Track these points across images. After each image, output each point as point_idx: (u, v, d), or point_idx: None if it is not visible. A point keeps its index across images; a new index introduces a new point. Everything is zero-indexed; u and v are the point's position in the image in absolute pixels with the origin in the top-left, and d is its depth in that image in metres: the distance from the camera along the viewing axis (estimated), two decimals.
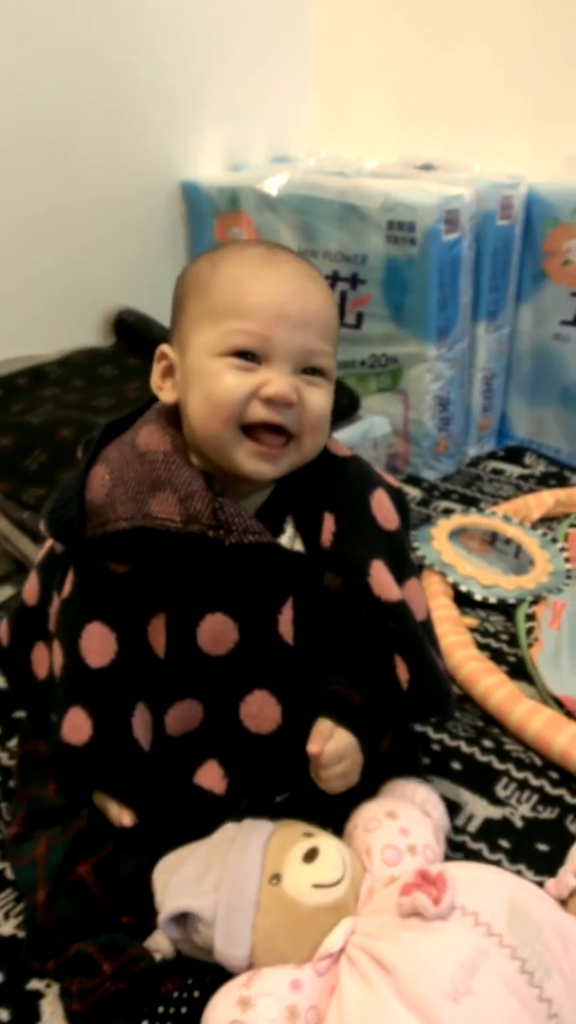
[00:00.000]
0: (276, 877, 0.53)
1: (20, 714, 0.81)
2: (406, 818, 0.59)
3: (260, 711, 0.59)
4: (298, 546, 0.62)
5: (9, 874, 0.65)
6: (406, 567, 0.64)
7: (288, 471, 0.59)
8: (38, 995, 0.57)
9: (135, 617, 0.58)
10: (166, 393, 0.61)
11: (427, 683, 0.62)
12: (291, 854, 0.54)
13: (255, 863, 0.54)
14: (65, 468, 0.98)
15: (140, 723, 0.58)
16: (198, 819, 0.59)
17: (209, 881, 0.54)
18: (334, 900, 0.53)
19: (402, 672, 0.61)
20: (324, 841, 0.55)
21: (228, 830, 0.58)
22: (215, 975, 0.52)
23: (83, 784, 0.60)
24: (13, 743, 0.78)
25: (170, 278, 0.62)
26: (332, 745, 0.58)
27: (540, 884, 0.62)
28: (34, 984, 0.58)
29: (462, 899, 0.50)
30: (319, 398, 0.58)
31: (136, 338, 1.32)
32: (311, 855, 0.54)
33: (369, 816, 0.59)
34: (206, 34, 1.37)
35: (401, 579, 0.62)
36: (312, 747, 0.58)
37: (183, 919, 0.55)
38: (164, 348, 0.61)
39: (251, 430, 0.56)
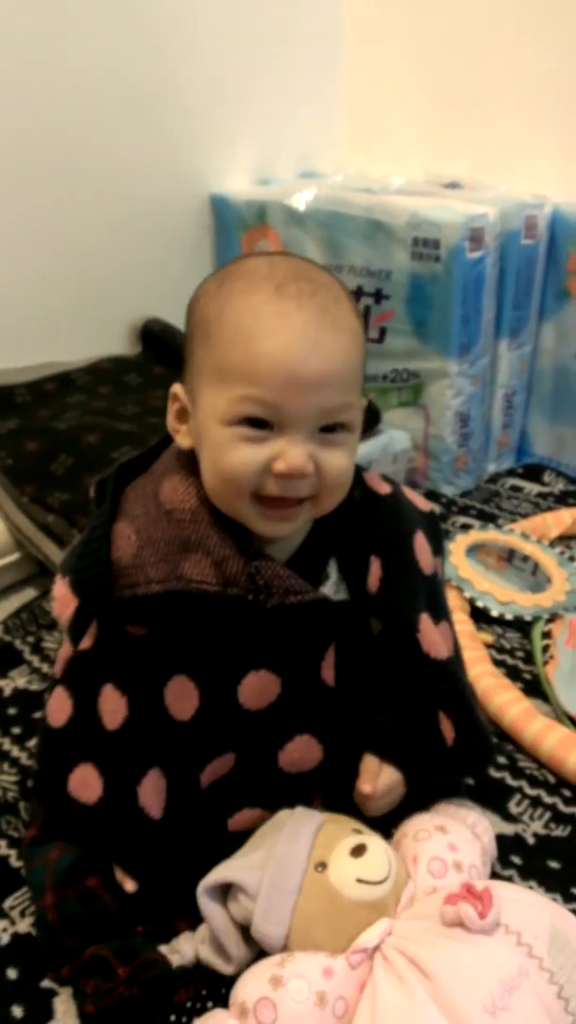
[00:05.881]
0: (322, 865, 0.54)
1: (39, 714, 0.83)
2: (456, 835, 0.60)
3: (302, 756, 0.60)
4: (342, 591, 0.61)
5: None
6: (441, 611, 0.63)
7: (305, 524, 0.58)
8: (52, 993, 0.58)
9: (149, 681, 0.57)
10: (182, 437, 0.58)
11: (474, 742, 0.63)
12: (339, 846, 0.55)
13: (303, 848, 0.55)
14: (89, 473, 0.99)
15: (151, 790, 0.57)
16: None
17: (256, 858, 0.55)
18: (376, 898, 0.53)
19: (447, 730, 0.62)
20: (372, 840, 0.56)
21: (280, 816, 0.59)
22: (230, 987, 0.53)
23: (87, 841, 0.59)
24: (32, 743, 0.79)
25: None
26: (382, 781, 0.60)
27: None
28: (48, 982, 0.59)
29: (505, 917, 0.51)
30: (338, 460, 0.54)
31: (161, 347, 1.34)
32: (359, 850, 0.54)
33: (420, 827, 0.60)
34: (238, 50, 1.39)
35: (435, 622, 0.62)
36: (365, 787, 0.59)
37: (223, 893, 0.55)
38: (177, 389, 0.58)
39: (264, 497, 0.54)
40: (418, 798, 0.64)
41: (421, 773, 0.63)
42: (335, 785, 0.61)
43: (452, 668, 0.61)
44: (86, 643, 0.58)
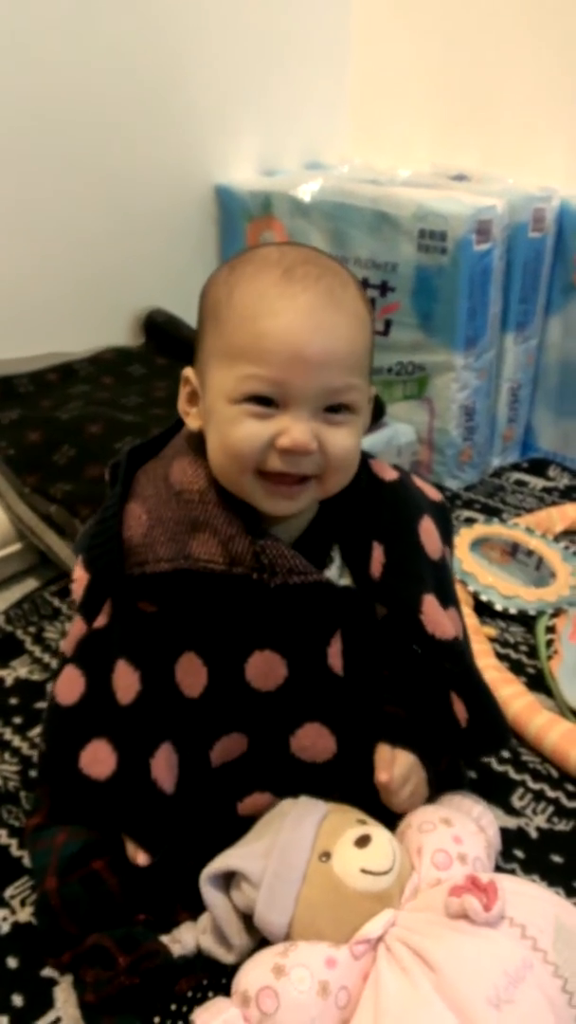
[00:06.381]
0: (326, 855, 0.54)
1: (42, 704, 0.82)
2: (461, 827, 0.59)
3: (314, 743, 0.60)
4: (346, 577, 0.62)
5: (27, 862, 0.65)
6: (449, 596, 0.63)
7: (310, 504, 0.59)
8: (52, 982, 0.58)
9: (160, 657, 0.58)
10: (192, 419, 0.59)
11: (486, 721, 0.63)
12: (343, 837, 0.55)
13: (307, 838, 0.55)
14: (92, 464, 0.99)
15: (163, 764, 0.57)
16: None
17: (259, 847, 0.55)
18: (380, 889, 0.53)
19: (460, 710, 0.62)
20: (377, 831, 0.55)
21: (284, 805, 0.59)
22: (231, 977, 0.53)
23: (96, 819, 0.59)
24: (34, 732, 0.79)
25: (200, 280, 0.61)
26: (397, 769, 0.59)
27: None
28: (49, 971, 0.59)
29: (510, 910, 0.51)
30: (342, 439, 0.54)
31: (165, 338, 1.34)
32: (363, 841, 0.54)
33: (424, 819, 0.60)
34: (244, 40, 1.38)
35: (443, 606, 0.61)
36: (382, 776, 0.59)
37: (226, 881, 0.55)
38: (188, 373, 0.59)
39: (268, 473, 0.55)
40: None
41: (436, 754, 0.64)
42: (355, 788, 0.61)
43: (459, 648, 0.61)
44: (101, 621, 0.59)
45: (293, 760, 0.60)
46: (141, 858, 0.57)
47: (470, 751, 0.68)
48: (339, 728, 0.60)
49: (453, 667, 0.61)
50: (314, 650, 0.59)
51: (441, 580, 0.63)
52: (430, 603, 0.60)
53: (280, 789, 0.61)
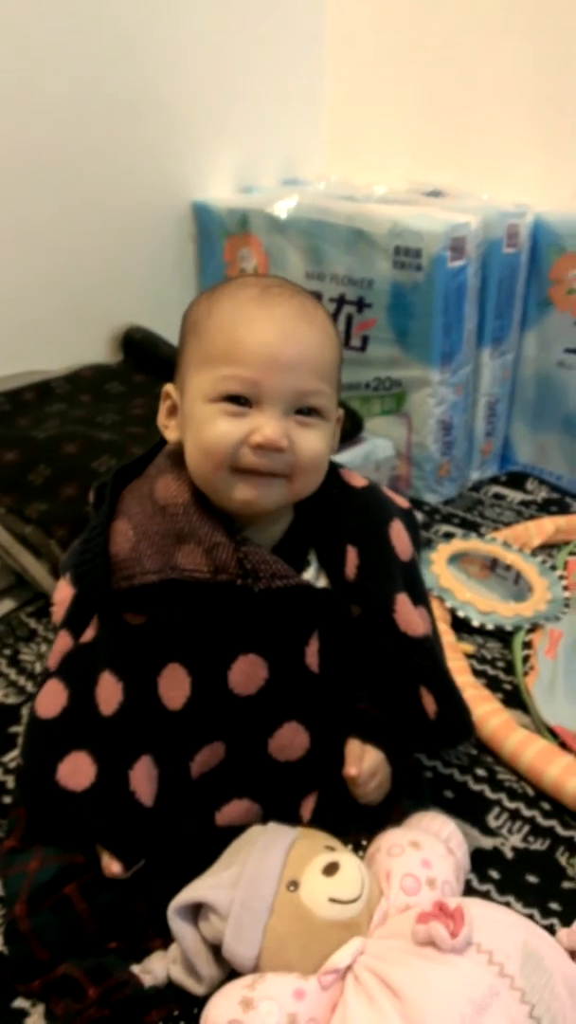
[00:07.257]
0: (294, 884, 0.54)
1: (16, 729, 0.82)
2: (430, 851, 0.59)
3: (290, 742, 0.62)
4: (322, 579, 0.64)
5: None
6: (419, 595, 0.66)
7: (278, 505, 0.60)
8: (23, 1014, 0.57)
9: (145, 669, 0.59)
10: (170, 432, 0.62)
11: (455, 714, 0.65)
12: (311, 865, 0.54)
13: (275, 867, 0.54)
14: (68, 483, 0.99)
15: (143, 776, 0.58)
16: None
17: (227, 877, 0.54)
18: (348, 917, 0.53)
19: (429, 704, 0.64)
20: (345, 857, 0.55)
21: (252, 832, 0.59)
22: (202, 1007, 0.52)
23: (71, 833, 0.60)
24: (7, 757, 0.78)
25: (178, 297, 0.63)
26: (366, 764, 0.62)
27: (529, 916, 0.63)
28: (20, 1003, 0.58)
29: (477, 936, 0.50)
30: (312, 440, 0.58)
31: (143, 355, 1.34)
32: (331, 869, 0.54)
33: (393, 842, 0.60)
34: (220, 57, 1.38)
35: (414, 604, 0.64)
36: (350, 770, 0.61)
37: (194, 912, 0.55)
38: (168, 388, 0.63)
39: (241, 470, 0.57)
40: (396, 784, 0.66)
41: (404, 750, 0.66)
42: (329, 783, 0.63)
43: (429, 644, 0.64)
44: (87, 636, 0.61)
45: (270, 762, 0.62)
46: (115, 867, 0.57)
47: (439, 743, 0.71)
48: (313, 724, 0.62)
49: (423, 662, 0.64)
50: (293, 650, 0.61)
51: (411, 580, 0.66)
52: (402, 602, 0.63)
53: (258, 793, 0.62)
